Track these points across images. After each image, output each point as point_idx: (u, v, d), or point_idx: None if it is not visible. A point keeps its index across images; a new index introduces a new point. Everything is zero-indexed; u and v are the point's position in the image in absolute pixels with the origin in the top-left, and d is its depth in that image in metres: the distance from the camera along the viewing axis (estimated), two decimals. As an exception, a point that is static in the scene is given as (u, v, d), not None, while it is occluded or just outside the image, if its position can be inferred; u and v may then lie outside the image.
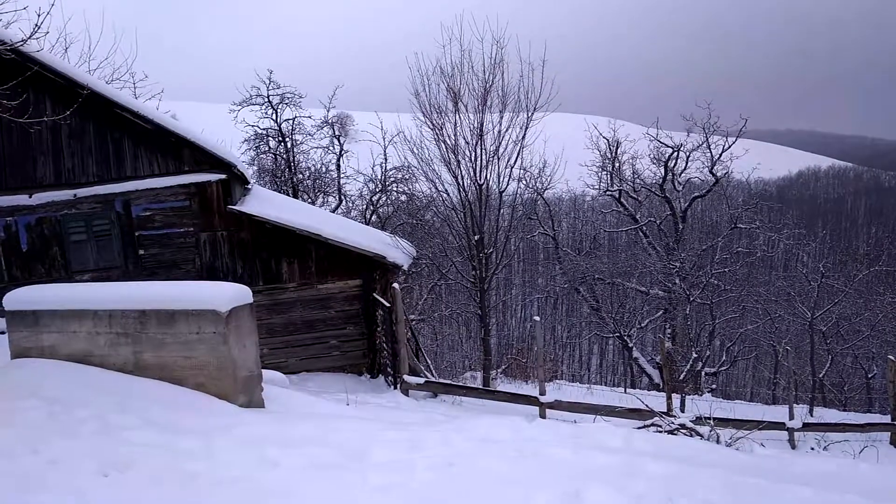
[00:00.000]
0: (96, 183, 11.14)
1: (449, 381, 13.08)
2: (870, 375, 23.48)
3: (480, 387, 13.40)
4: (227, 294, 5.58)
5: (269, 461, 4.07)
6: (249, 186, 12.82)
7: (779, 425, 11.28)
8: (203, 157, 11.35)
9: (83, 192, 11.10)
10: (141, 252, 11.43)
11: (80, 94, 9.67)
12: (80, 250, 11.27)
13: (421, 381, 11.01)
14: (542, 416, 10.60)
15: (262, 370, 6.75)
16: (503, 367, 21.16)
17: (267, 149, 23.92)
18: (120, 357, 5.92)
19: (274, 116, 22.88)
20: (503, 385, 16.94)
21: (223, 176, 11.39)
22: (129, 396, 5.48)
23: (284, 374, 10.37)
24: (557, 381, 20.79)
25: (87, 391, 5.57)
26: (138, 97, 18.70)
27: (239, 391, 5.58)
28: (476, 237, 13.60)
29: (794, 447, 11.28)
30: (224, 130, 22.71)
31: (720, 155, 25.03)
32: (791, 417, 11.75)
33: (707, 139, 25.03)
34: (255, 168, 24.05)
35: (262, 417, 5.18)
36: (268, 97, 22.47)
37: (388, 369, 11.67)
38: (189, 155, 11.34)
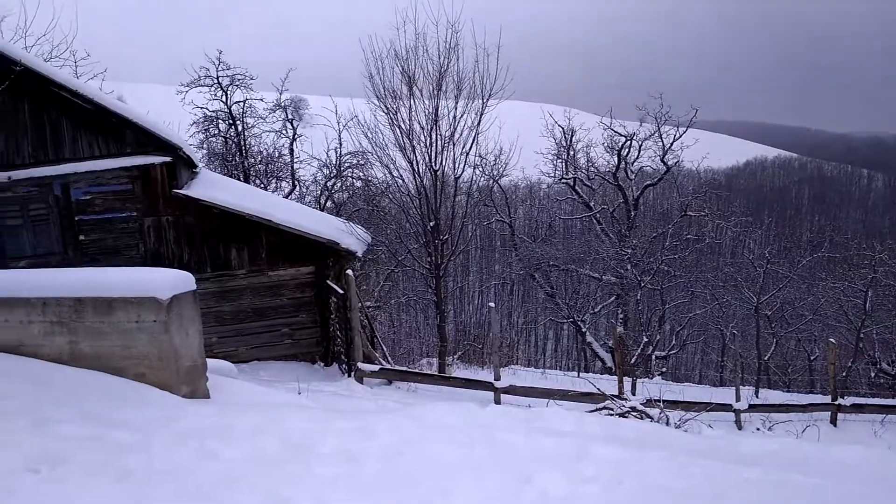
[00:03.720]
0: (32, 165, 10.61)
1: (403, 368, 13.00)
2: (812, 358, 24.38)
3: (435, 373, 13.36)
4: (169, 281, 5.35)
5: (209, 454, 3.91)
6: (197, 170, 12.41)
7: (726, 407, 11.57)
8: (147, 139, 10.92)
9: (18, 174, 10.56)
10: (81, 238, 10.96)
11: (12, 71, 9.16)
12: (16, 236, 10.74)
13: (375, 368, 10.90)
14: (497, 401, 10.63)
15: (210, 360, 6.53)
16: (460, 353, 21.20)
17: (217, 132, 23.26)
18: (55, 347, 5.63)
19: (224, 98, 22.24)
20: (459, 371, 16.96)
21: (168, 159, 10.99)
22: (64, 388, 5.22)
23: (235, 363, 10.13)
24: (513, 366, 20.92)
25: (19, 383, 5.27)
26: (80, 76, 17.91)
27: (181, 382, 5.37)
28: (431, 223, 13.50)
29: (740, 428, 11.60)
30: (174, 113, 21.95)
31: (671, 144, 25.54)
32: (738, 399, 12.07)
33: (659, 129, 25.50)
34: (205, 151, 23.38)
35: (206, 408, 5.00)
36: (217, 78, 21.81)
37: (343, 357, 11.52)
38: (132, 136, 10.89)
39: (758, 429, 11.26)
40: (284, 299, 11.99)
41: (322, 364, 12.12)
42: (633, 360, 20.58)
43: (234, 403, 5.42)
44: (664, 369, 24.15)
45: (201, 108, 22.49)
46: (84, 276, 5.68)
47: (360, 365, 10.70)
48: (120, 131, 10.82)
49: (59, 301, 5.51)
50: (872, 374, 21.71)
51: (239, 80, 22.18)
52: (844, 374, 17.96)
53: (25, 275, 6.16)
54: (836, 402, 12.01)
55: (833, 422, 11.97)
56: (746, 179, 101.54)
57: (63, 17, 15.41)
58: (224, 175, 20.44)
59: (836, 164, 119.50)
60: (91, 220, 10.96)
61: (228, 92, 22.18)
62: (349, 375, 10.86)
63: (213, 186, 12.01)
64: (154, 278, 5.41)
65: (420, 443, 4.53)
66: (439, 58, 13.07)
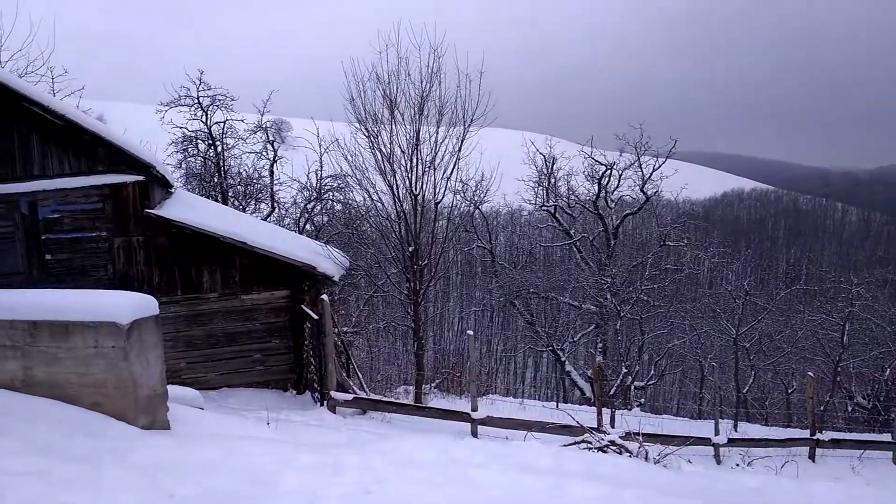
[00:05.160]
0: (-1, 181, 10.29)
1: (378, 398, 12.70)
2: (789, 391, 24.41)
3: (411, 403, 13.07)
4: (130, 305, 5.11)
5: (161, 491, 3.66)
6: (172, 190, 12.15)
7: (705, 441, 11.42)
8: (120, 158, 10.65)
9: (-17, 190, 10.23)
10: (48, 257, 10.61)
11: (-20, 85, 8.91)
12: (-22, 254, 10.36)
13: (349, 397, 10.62)
14: (474, 432, 10.38)
15: (174, 387, 6.27)
16: (437, 381, 20.89)
17: (196, 152, 22.97)
18: (7, 372, 5.34)
19: (204, 119, 22.01)
20: (437, 400, 16.66)
21: (141, 178, 10.72)
22: (15, 416, 4.93)
23: (205, 389, 9.81)
24: (491, 395, 20.64)
25: (-35, 411, 4.98)
26: (57, 93, 17.62)
27: (140, 411, 5.10)
28: (411, 248, 13.32)
29: (719, 462, 11.45)
30: (153, 132, 21.68)
31: (651, 174, 25.70)
32: (717, 433, 11.93)
33: (639, 159, 25.67)
34: (183, 171, 23.05)
35: (164, 440, 4.73)
36: (198, 98, 21.61)
37: (315, 385, 11.20)
38: (104, 154, 10.62)
39: (737, 464, 11.12)
40: (257, 324, 11.69)
41: (294, 392, 11.78)
42: (611, 391, 20.42)
43: (194, 435, 5.15)
44: (643, 400, 23.99)
45: (181, 127, 22.23)
46: (40, 299, 5.41)
47: (333, 394, 10.41)
48: (92, 149, 10.56)
49: (13, 324, 5.24)
50: (849, 409, 21.75)
51: (220, 100, 22.00)
52: (822, 407, 17.96)
53: (-22, 295, 5.87)
54: (815, 437, 11.93)
55: (811, 457, 11.88)
56: (724, 211, 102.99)
57: (41, 33, 15.20)
58: (202, 196, 20.14)
59: (812, 197, 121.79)
60: (58, 240, 10.62)
61: (209, 112, 21.98)
62: (322, 404, 10.55)
63: (187, 207, 11.75)
64: (114, 302, 5.17)
65: (390, 481, 4.31)
66: (422, 82, 13.03)
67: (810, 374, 13.80)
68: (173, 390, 5.98)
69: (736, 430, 15.51)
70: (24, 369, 5.33)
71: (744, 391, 22.62)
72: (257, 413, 8.57)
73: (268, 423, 7.21)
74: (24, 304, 5.39)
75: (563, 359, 24.53)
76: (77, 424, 4.83)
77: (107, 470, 3.93)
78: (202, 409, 6.85)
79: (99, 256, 10.84)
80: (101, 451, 4.29)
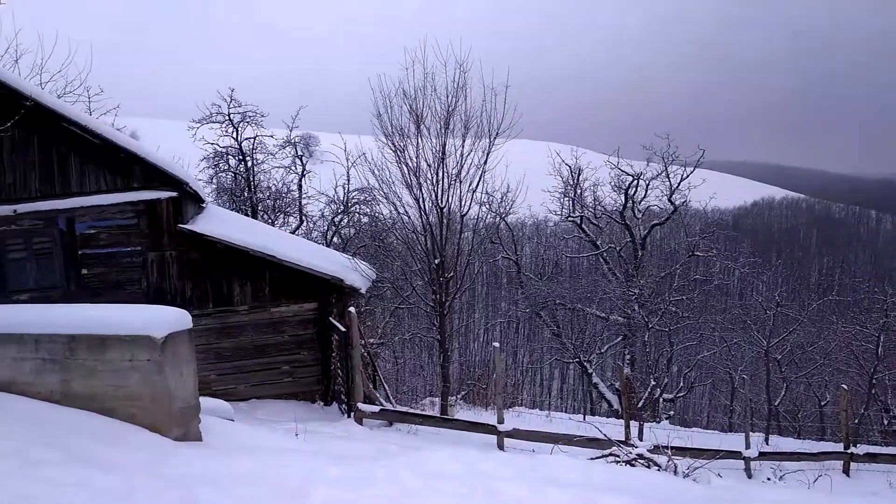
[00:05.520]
0: (38, 198, 10.62)
1: (404, 409, 12.74)
2: (822, 404, 23.83)
3: (437, 415, 13.09)
4: (164, 319, 5.25)
5: (195, 502, 3.75)
6: (204, 205, 12.40)
7: (735, 454, 11.25)
8: (154, 174, 10.95)
9: (24, 207, 10.57)
10: (84, 272, 10.91)
11: (23, 106, 9.24)
12: (19, 269, 10.69)
13: (375, 409, 10.68)
14: (500, 445, 10.37)
15: (205, 399, 6.38)
16: (463, 392, 20.86)
17: (227, 167, 23.43)
18: (46, 385, 5.50)
19: (234, 135, 22.45)
20: (463, 412, 16.63)
21: (174, 194, 10.99)
22: (54, 428, 5.08)
23: (234, 400, 9.96)
24: (517, 407, 20.53)
25: (8, 423, 5.15)
26: (92, 112, 18.11)
27: (174, 424, 5.22)
28: (437, 261, 13.39)
29: (750, 476, 11.25)
30: (185, 148, 22.18)
31: (678, 184, 25.50)
32: (747, 446, 11.73)
33: (666, 168, 25.49)
34: (214, 187, 23.53)
35: (197, 452, 4.84)
36: (228, 115, 22.06)
37: (343, 397, 11.30)
38: (139, 171, 10.92)
39: (768, 478, 10.92)
40: (286, 336, 11.85)
41: (322, 403, 11.89)
42: (640, 404, 20.18)
43: (226, 447, 5.25)
44: (672, 412, 23.67)
45: (212, 143, 22.72)
46: (78, 313, 5.59)
47: (360, 406, 10.48)
48: (127, 166, 10.86)
49: (52, 338, 5.40)
50: (885, 422, 21.16)
51: (250, 116, 22.45)
52: (857, 421, 17.52)
53: (18, 310, 6.08)
54: (849, 451, 11.66)
55: (846, 471, 11.61)
56: (754, 220, 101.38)
57: (78, 55, 15.68)
58: (232, 210, 20.52)
59: (844, 205, 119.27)
60: (94, 255, 10.92)
61: (239, 128, 22.43)
62: (349, 416, 10.63)
63: (218, 221, 11.98)
64: (149, 316, 5.32)
65: (418, 494, 4.35)
66: (447, 97, 13.15)
67: (844, 386, 13.51)
68: (205, 402, 6.09)
69: (767, 444, 15.20)
70: (63, 382, 5.48)
71: (775, 404, 22.14)
72: (286, 424, 8.68)
73: (296, 435, 7.31)
74: (63, 318, 5.56)
75: (590, 371, 24.33)
76: (114, 436, 4.95)
77: (143, 481, 4.03)
78: (232, 420, 6.97)
79: (133, 271, 11.11)
80: (137, 463, 4.40)
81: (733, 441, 13.32)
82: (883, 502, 9.37)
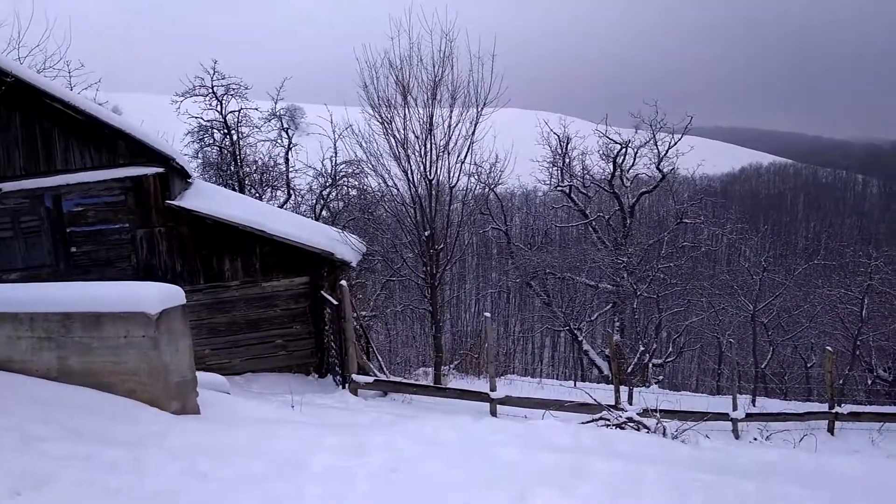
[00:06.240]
0: (23, 177, 10.52)
1: (398, 380, 12.91)
2: (808, 365, 24.33)
3: (431, 385, 13.27)
4: (158, 295, 5.30)
5: (198, 474, 3.85)
6: (191, 180, 12.33)
7: (723, 416, 11.50)
8: (140, 150, 10.86)
9: (9, 186, 10.47)
10: (73, 249, 10.87)
11: (3, 83, 9.11)
12: (7, 248, 10.64)
13: (370, 379, 10.82)
14: (493, 412, 10.56)
15: (202, 373, 6.46)
16: (456, 362, 21.11)
17: (212, 141, 23.23)
18: (43, 363, 5.56)
19: (219, 108, 22.22)
20: (456, 381, 16.86)
21: (161, 169, 10.92)
22: (53, 405, 5.15)
23: (229, 374, 10.05)
24: (509, 375, 20.81)
25: (7, 400, 5.21)
26: (74, 87, 17.86)
27: (172, 397, 5.31)
28: (427, 233, 13.44)
29: (737, 437, 11.53)
30: (168, 122, 21.93)
31: (666, 151, 25.55)
32: (735, 408, 12.00)
33: (654, 136, 25.51)
34: (199, 161, 23.37)
35: (196, 425, 4.93)
36: (212, 88, 21.80)
37: (337, 368, 11.43)
38: (125, 147, 10.83)
39: (755, 438, 11.19)
40: (278, 310, 11.91)
41: (316, 375, 12.03)
42: (629, 369, 20.51)
43: (224, 419, 5.35)
44: (661, 377, 24.05)
45: (196, 117, 22.49)
46: (72, 291, 5.62)
47: (355, 377, 10.62)
48: (112, 142, 10.76)
49: (47, 316, 5.45)
50: (869, 381, 21.66)
51: (234, 89, 22.20)
52: (841, 381, 17.93)
53: (13, 289, 6.10)
54: (834, 411, 11.95)
55: (830, 430, 11.91)
56: (742, 186, 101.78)
57: (57, 27, 15.37)
58: (219, 185, 20.40)
59: (832, 170, 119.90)
60: (83, 232, 10.88)
61: (223, 101, 22.18)
62: (343, 387, 10.77)
63: (206, 197, 11.95)
64: (143, 293, 5.36)
65: (414, 460, 4.47)
66: (433, 67, 13.06)
67: (829, 348, 13.79)
68: (201, 376, 6.17)
69: (754, 406, 15.55)
70: (60, 359, 5.54)
71: (762, 366, 22.59)
72: (281, 397, 8.80)
73: (292, 406, 7.42)
74: (57, 296, 5.60)
75: (580, 338, 24.64)
76: (113, 411, 5.04)
77: (147, 454, 4.13)
78: (228, 393, 7.07)
79: (123, 248, 11.09)
80: (140, 436, 4.49)
81: (721, 404, 13.61)
82: (864, 459, 9.65)
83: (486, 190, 21.96)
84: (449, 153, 13.38)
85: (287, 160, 23.67)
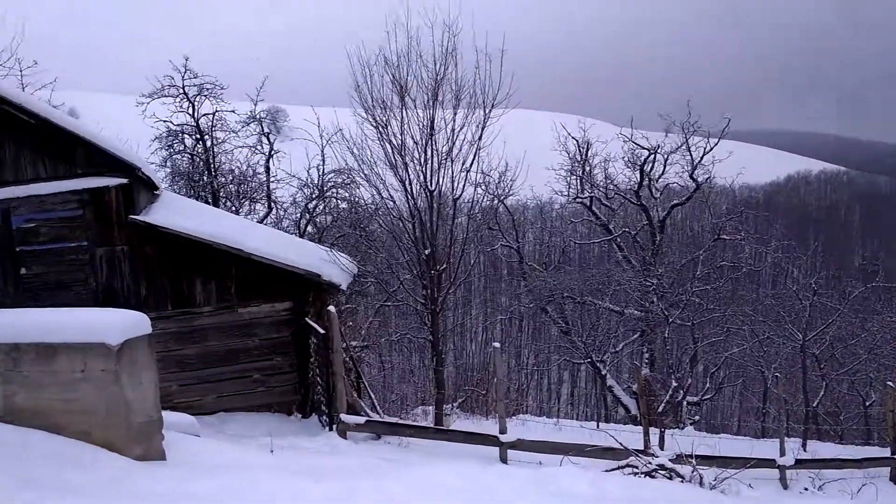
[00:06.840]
0: (-33, 189, 10.62)
1: (394, 420, 12.88)
2: (867, 403, 24.14)
3: (431, 426, 13.23)
4: (120, 323, 5.32)
5: (163, 528, 3.85)
6: (158, 192, 12.44)
7: (769, 462, 11.44)
8: (100, 159, 10.95)
9: (-50, 199, 10.57)
10: (23, 271, 10.92)
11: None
12: (-53, 270, 10.71)
13: (361, 420, 10.81)
14: (503, 458, 10.52)
15: (167, 413, 6.46)
16: (460, 400, 21.04)
17: (182, 148, 23.38)
18: (-14, 401, 5.57)
19: (190, 110, 22.37)
20: (460, 421, 16.81)
21: (124, 180, 11.00)
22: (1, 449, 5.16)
23: (199, 414, 10.06)
24: (522, 415, 20.76)
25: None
26: (26, 87, 18.12)
27: (133, 441, 5.31)
28: (427, 251, 13.48)
29: (785, 487, 11.45)
30: (133, 127, 22.14)
31: (701, 158, 25.56)
32: (782, 453, 11.94)
33: (687, 140, 25.52)
34: (169, 170, 23.47)
35: (160, 472, 4.93)
36: (183, 88, 21.97)
37: (323, 407, 11.41)
38: (83, 156, 10.92)
39: (806, 489, 11.12)
40: (257, 340, 11.92)
41: (299, 415, 12.00)
42: (660, 408, 20.43)
43: (193, 466, 5.35)
44: (697, 417, 23.94)
45: (165, 121, 22.62)
46: (22, 319, 5.64)
47: (344, 417, 10.60)
48: (69, 150, 10.86)
49: (-7, 347, 5.46)
50: (938, 422, 21.50)
51: (208, 89, 22.34)
52: (906, 422, 17.77)
53: (-45, 317, 6.12)
54: (897, 457, 11.89)
55: (893, 479, 11.84)
56: (788, 197, 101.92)
57: (7, 24, 15.61)
58: (190, 197, 20.51)
59: (891, 178, 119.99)
60: (35, 251, 10.93)
61: (196, 103, 22.33)
62: (331, 429, 10.74)
63: (176, 211, 12.02)
64: (103, 320, 5.39)
65: (411, 512, 4.46)
66: (435, 64, 13.18)
67: (891, 383, 13.71)
68: (167, 416, 6.18)
69: (805, 450, 15.45)
70: (6, 397, 5.55)
71: (814, 405, 22.44)
72: (259, 440, 8.78)
73: (272, 451, 7.41)
74: (5, 325, 5.62)
75: (603, 372, 24.53)
76: (65, 456, 5.04)
77: (101, 505, 4.12)
78: (198, 436, 7.07)
79: (80, 269, 11.14)
80: (94, 485, 4.49)
81: (766, 448, 13.53)
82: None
83: (495, 202, 22.05)
84: (452, 160, 13.47)
85: (268, 169, 23.79)
